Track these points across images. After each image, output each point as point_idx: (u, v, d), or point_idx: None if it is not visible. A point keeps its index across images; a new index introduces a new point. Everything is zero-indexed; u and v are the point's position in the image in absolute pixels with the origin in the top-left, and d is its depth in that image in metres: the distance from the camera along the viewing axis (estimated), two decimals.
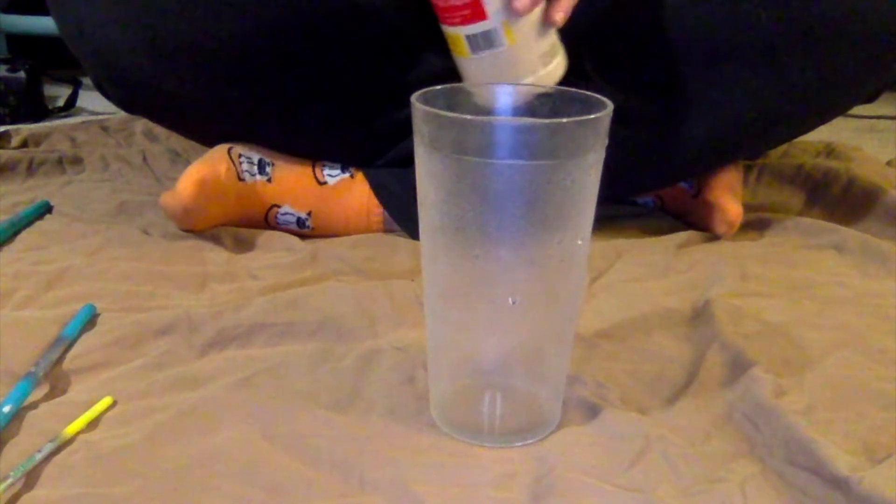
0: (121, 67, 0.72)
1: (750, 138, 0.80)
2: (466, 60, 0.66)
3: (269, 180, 0.78)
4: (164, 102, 0.75)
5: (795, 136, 0.87)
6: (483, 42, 0.64)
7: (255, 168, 0.77)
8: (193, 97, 0.74)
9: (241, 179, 0.76)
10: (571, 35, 0.67)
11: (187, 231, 0.76)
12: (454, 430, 0.47)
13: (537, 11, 0.64)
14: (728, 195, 0.81)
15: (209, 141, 0.80)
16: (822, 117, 0.82)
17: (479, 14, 0.63)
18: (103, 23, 0.70)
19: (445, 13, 0.65)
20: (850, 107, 0.83)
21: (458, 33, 0.65)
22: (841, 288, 0.69)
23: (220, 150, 0.77)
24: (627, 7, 0.74)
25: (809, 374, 0.54)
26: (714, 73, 0.74)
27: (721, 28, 0.72)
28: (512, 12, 0.62)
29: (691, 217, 0.85)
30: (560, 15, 0.65)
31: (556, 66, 0.67)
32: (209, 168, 0.75)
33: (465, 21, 0.64)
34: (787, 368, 0.54)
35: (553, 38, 0.67)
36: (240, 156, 0.77)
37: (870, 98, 0.81)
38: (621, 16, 0.74)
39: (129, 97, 0.77)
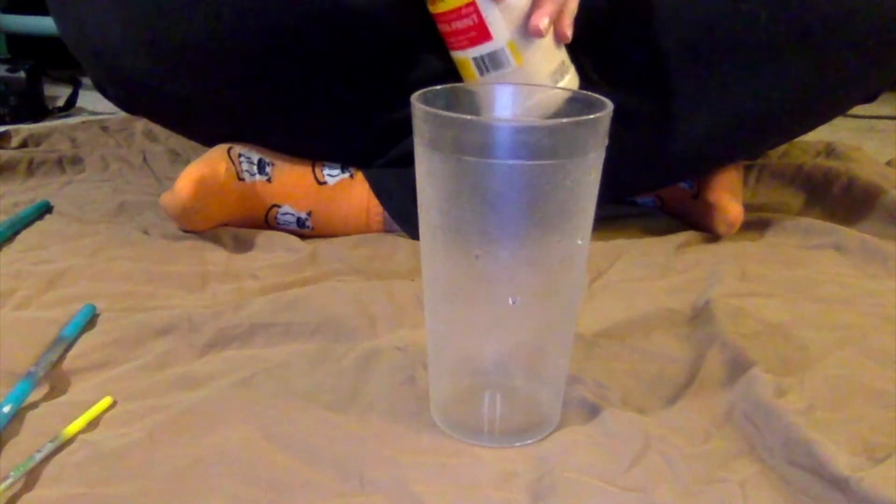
0: (121, 67, 0.72)
1: (750, 138, 0.80)
2: (475, 85, 0.66)
3: (268, 180, 0.78)
4: (165, 103, 0.75)
5: (795, 136, 0.87)
6: (490, 63, 0.65)
7: (255, 168, 0.77)
8: (193, 97, 0.74)
9: (240, 179, 0.76)
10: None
11: (187, 231, 0.76)
12: (454, 430, 0.47)
13: None
14: (728, 195, 0.80)
15: (209, 141, 0.80)
16: (823, 117, 0.82)
17: (484, 35, 0.64)
18: (103, 23, 0.70)
19: (452, 37, 0.65)
20: (850, 107, 0.83)
21: (465, 57, 0.66)
22: (841, 288, 0.69)
23: (220, 149, 0.77)
24: (627, 7, 0.74)
25: (809, 374, 0.54)
26: (714, 73, 0.74)
27: (721, 28, 0.72)
28: (529, 33, 0.63)
29: (691, 217, 0.85)
30: (570, 30, 0.65)
31: (567, 84, 0.67)
32: (208, 167, 0.75)
33: (472, 43, 0.64)
34: (787, 368, 0.54)
35: (562, 55, 0.67)
36: (239, 155, 0.77)
37: (870, 98, 0.81)
38: (621, 15, 0.74)
39: (130, 97, 0.77)
